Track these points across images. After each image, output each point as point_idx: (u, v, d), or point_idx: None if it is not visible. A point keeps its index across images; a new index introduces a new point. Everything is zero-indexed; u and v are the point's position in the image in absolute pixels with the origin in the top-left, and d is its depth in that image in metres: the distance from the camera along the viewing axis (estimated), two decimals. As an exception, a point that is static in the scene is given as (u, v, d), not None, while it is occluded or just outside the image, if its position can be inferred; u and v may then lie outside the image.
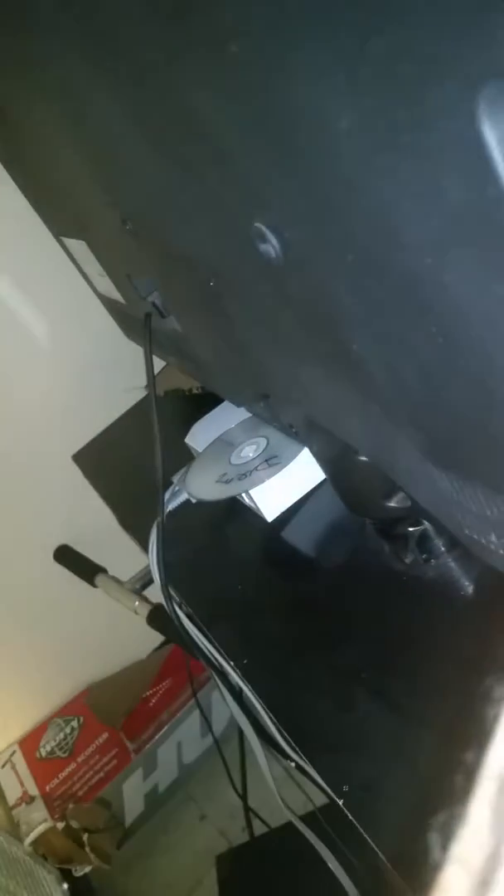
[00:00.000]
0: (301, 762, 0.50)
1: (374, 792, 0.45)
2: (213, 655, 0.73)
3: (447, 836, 0.38)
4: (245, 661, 0.58)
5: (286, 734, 0.50)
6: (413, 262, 0.22)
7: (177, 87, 0.31)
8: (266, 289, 0.35)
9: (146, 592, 0.94)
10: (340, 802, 0.45)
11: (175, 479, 0.79)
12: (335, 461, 0.53)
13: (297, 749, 0.49)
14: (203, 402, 0.86)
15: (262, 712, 0.65)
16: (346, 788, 0.46)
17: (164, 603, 0.72)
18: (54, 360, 1.25)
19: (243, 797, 1.02)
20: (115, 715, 1.38)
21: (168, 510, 0.72)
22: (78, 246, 0.75)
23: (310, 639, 0.57)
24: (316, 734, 0.50)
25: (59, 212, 0.76)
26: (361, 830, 0.44)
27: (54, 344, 1.24)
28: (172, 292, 0.55)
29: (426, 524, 0.53)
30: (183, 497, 0.76)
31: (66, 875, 1.29)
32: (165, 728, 1.34)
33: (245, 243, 0.33)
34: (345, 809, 0.45)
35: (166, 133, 0.36)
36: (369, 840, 0.44)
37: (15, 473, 1.23)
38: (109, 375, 1.19)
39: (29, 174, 0.76)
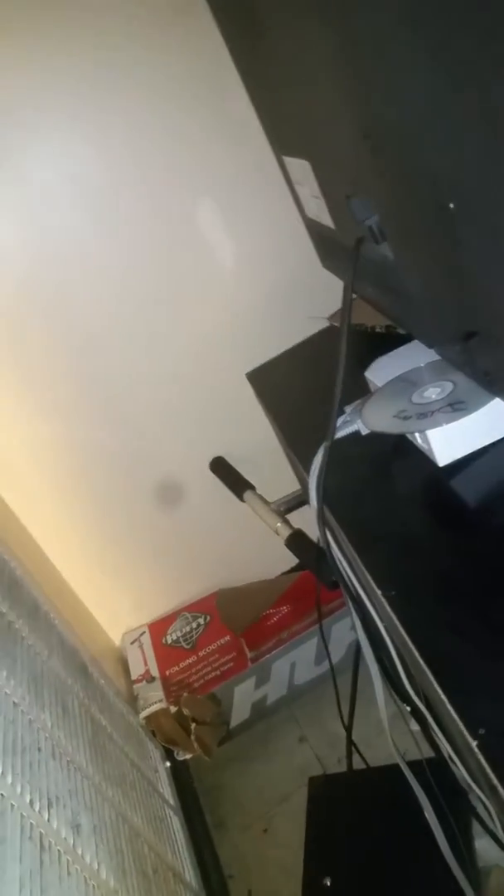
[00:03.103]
0: (436, 700, 0.51)
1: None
2: (352, 583, 0.75)
3: None
4: (393, 593, 0.59)
5: (428, 667, 0.51)
6: None
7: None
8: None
9: (289, 518, 0.97)
10: (474, 744, 0.46)
11: (348, 408, 0.80)
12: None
13: (437, 683, 0.50)
14: (382, 342, 0.85)
15: (392, 650, 0.66)
16: (482, 731, 0.46)
17: (316, 520, 0.74)
18: (244, 280, 1.28)
19: (348, 729, 1.05)
20: (238, 621, 1.46)
21: (336, 437, 0.73)
22: (299, 166, 0.76)
23: (466, 587, 0.56)
24: (458, 676, 0.50)
25: (289, 129, 0.76)
26: (491, 774, 0.45)
27: (247, 266, 1.27)
28: (396, 215, 0.55)
29: None
30: (352, 428, 0.77)
31: (168, 755, 1.41)
32: (284, 646, 1.40)
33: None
34: (477, 751, 0.45)
35: (451, 36, 0.35)
36: (498, 784, 0.44)
37: (190, 382, 1.30)
38: (294, 302, 1.20)
39: (270, 90, 0.76)
